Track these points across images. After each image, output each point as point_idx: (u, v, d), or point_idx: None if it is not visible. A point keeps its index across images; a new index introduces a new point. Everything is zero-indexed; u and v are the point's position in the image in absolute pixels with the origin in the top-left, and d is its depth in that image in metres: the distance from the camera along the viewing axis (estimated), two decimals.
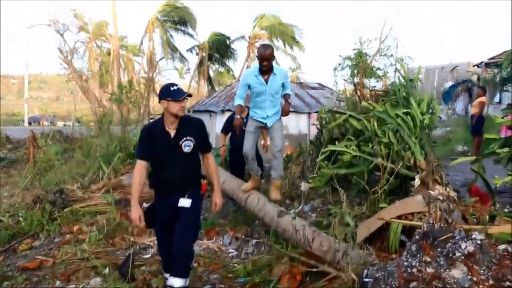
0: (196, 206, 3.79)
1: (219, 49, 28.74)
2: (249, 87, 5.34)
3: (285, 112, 5.39)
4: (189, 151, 3.67)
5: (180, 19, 27.08)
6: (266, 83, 5.28)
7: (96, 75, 32.61)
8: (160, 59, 28.47)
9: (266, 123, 5.46)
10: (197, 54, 28.81)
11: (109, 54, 30.38)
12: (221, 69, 32.39)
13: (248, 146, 5.47)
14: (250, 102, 5.56)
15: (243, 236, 5.77)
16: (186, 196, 3.71)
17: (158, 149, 3.68)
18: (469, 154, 11.06)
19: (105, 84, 33.84)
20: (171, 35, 27.98)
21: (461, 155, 11.26)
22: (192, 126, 3.75)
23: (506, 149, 4.33)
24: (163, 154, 3.68)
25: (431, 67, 27.84)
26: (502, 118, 5.00)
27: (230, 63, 30.93)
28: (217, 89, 27.39)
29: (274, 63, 5.40)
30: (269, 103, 5.38)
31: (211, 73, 31.30)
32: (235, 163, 7.26)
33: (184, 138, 3.65)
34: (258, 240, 5.51)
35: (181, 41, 70.41)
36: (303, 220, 4.99)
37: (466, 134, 13.41)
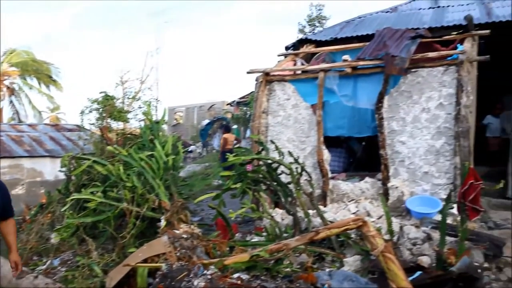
0: None
1: None
2: None
3: None
4: None
5: None
6: None
7: None
8: None
9: None
10: None
11: None
12: None
13: None
14: None
15: None
16: None
17: None
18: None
19: None
20: None
21: (218, 188, 12.05)
22: None
23: (239, 185, 4.77)
24: None
25: (191, 105, 29.50)
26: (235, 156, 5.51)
27: None
28: None
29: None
30: None
31: None
32: None
33: None
34: None
35: None
36: (48, 278, 4.61)
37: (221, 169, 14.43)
